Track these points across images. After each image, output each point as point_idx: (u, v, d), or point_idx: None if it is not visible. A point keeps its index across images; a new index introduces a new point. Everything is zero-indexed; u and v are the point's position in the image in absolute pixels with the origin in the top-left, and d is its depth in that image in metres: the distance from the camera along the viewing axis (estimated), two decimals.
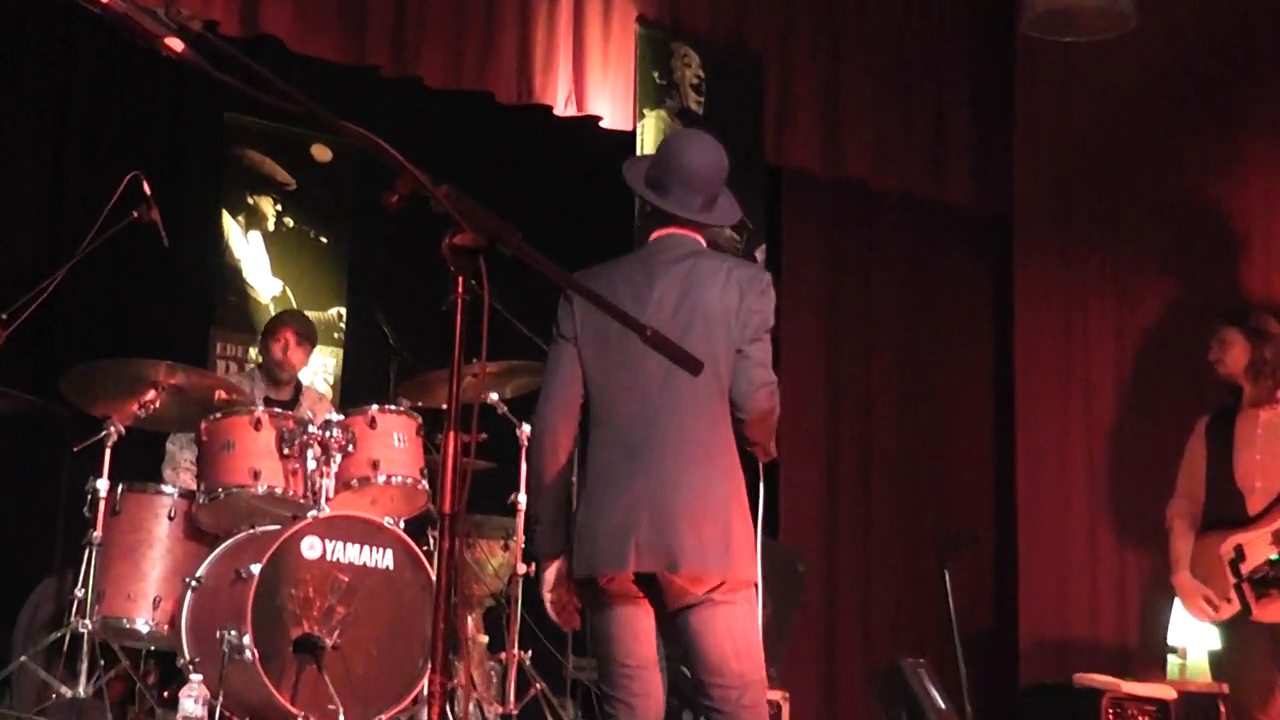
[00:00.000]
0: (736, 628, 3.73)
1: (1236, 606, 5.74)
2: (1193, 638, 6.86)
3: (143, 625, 5.57)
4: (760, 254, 7.60)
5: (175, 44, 2.41)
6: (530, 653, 6.03)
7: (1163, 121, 7.95)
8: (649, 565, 3.66)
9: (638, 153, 7.18)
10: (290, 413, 5.85)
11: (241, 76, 2.48)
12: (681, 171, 3.91)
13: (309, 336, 6.88)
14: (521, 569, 6.02)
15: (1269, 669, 5.81)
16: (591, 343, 3.85)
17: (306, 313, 7.33)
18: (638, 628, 3.79)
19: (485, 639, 6.27)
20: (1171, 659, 6.92)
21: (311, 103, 2.58)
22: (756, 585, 3.79)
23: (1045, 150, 8.32)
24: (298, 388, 6.86)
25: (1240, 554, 5.66)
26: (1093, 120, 8.13)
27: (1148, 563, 7.30)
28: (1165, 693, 6.55)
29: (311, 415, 5.97)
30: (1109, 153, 8.07)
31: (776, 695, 6.69)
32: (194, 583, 5.42)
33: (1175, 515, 5.99)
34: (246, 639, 5.06)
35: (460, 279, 2.72)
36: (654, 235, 3.96)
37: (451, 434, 2.73)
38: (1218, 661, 6.48)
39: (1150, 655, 7.00)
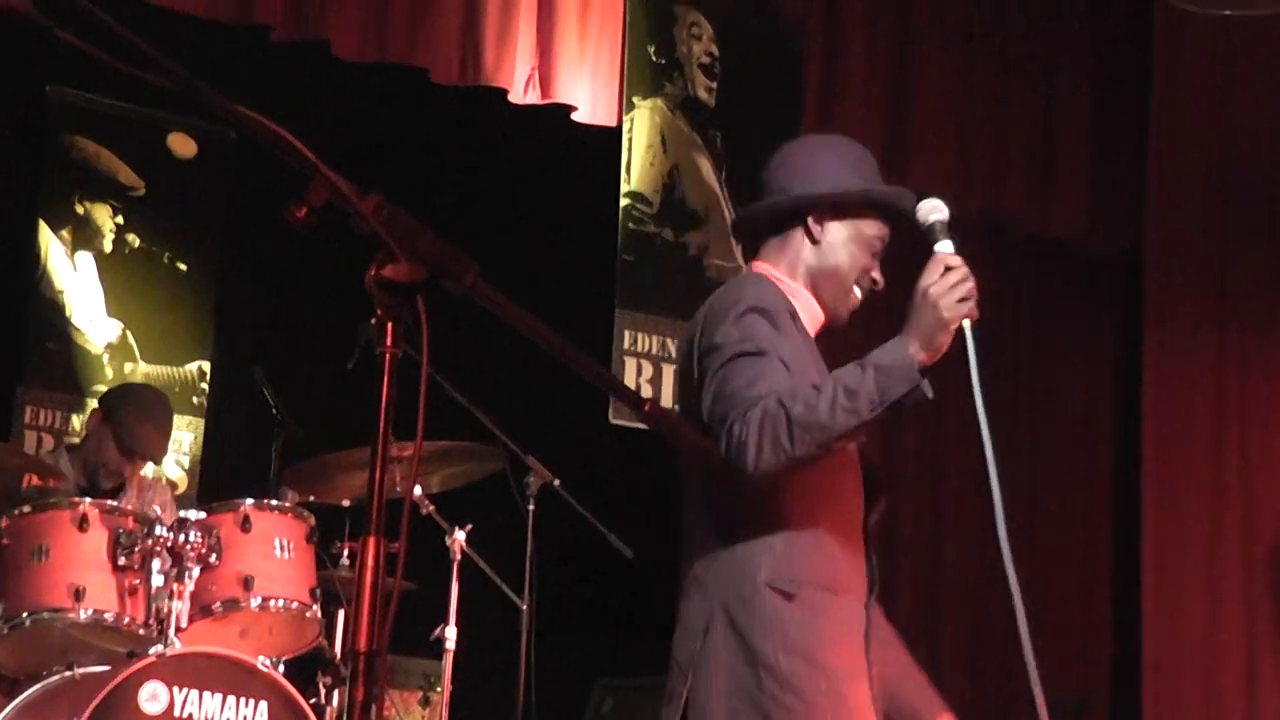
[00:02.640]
0: None
1: None
2: None
3: None
4: None
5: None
6: None
7: None
8: None
9: (623, 154, 7.26)
10: (130, 509, 5.83)
11: (78, 31, 2.44)
12: None
13: (163, 427, 6.85)
14: None
15: None
16: None
17: (155, 368, 7.33)
18: None
19: None
20: None
21: (184, 72, 2.51)
22: None
23: (1192, 161, 8.36)
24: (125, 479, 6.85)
25: None
26: (1254, 119, 8.19)
27: None
28: None
29: (158, 512, 5.92)
30: (1250, 159, 8.14)
31: None
32: None
33: None
34: None
35: (389, 326, 2.69)
36: None
37: (372, 540, 2.69)
38: None
39: None
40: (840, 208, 4.09)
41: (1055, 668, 8.40)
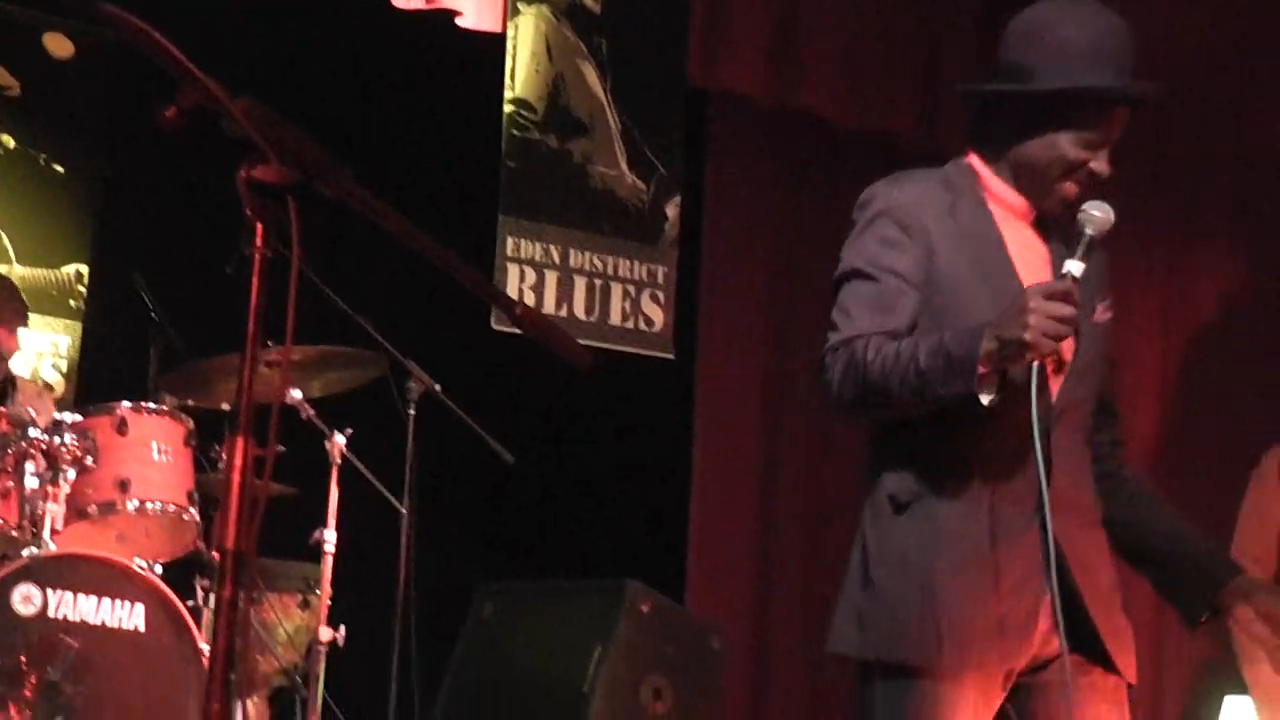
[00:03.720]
0: None
1: None
2: None
3: None
4: (673, 209, 7.64)
5: None
6: None
7: (1236, 71, 8.13)
8: None
9: (507, 62, 7.28)
10: (2, 409, 5.83)
11: None
12: None
13: (20, 312, 6.90)
14: (326, 635, 6.09)
15: None
16: None
17: (30, 271, 7.30)
18: None
19: None
20: None
21: None
22: None
23: None
24: (6, 378, 6.84)
25: None
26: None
27: (1189, 650, 7.40)
28: None
29: (32, 415, 5.90)
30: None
31: None
32: None
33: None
34: None
35: (259, 228, 2.67)
36: None
37: (240, 441, 2.69)
38: None
39: None
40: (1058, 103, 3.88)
41: None
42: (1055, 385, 3.82)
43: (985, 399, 3.62)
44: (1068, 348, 3.82)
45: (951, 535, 3.78)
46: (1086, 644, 3.79)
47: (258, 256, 2.66)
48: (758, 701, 8.14)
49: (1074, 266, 3.68)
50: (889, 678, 3.79)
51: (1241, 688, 6.33)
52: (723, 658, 7.22)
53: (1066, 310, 3.59)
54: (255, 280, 2.66)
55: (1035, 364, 3.66)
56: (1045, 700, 3.78)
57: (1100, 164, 3.83)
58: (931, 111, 8.17)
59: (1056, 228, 3.87)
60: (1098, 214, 3.73)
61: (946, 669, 3.74)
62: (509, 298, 3.13)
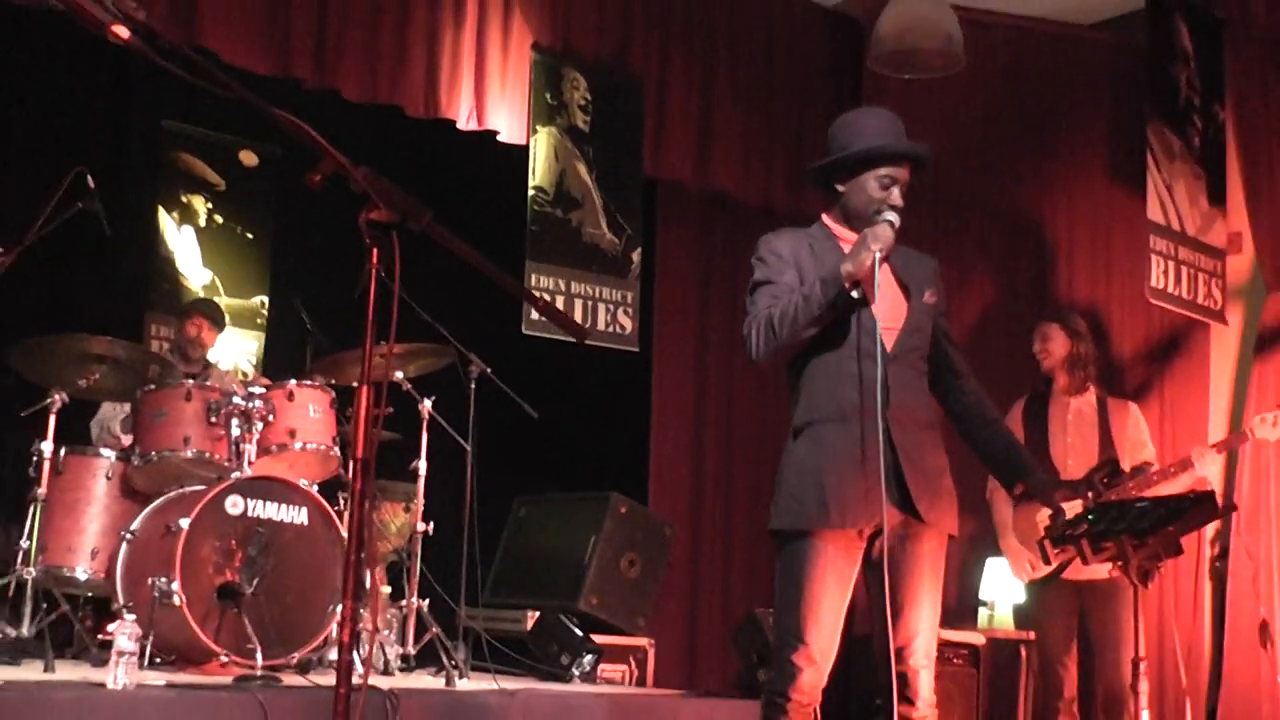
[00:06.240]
0: None
1: (1049, 567, 5.96)
2: (1000, 593, 7.07)
3: (81, 574, 5.60)
4: (637, 255, 7.66)
5: (121, 31, 2.43)
6: (428, 602, 6.15)
7: (987, 148, 8.12)
8: None
9: (530, 164, 7.25)
10: (217, 385, 5.86)
11: (182, 65, 2.51)
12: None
13: (218, 321, 6.98)
14: (420, 528, 6.13)
15: (1070, 619, 6.06)
16: None
17: (232, 300, 7.39)
18: None
19: (388, 590, 6.34)
20: (981, 611, 7.12)
21: (244, 89, 2.60)
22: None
23: None
24: (205, 365, 6.94)
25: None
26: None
27: (965, 529, 7.48)
28: (976, 639, 6.76)
29: (234, 389, 5.99)
30: (940, 172, 8.22)
31: (643, 642, 6.85)
32: (128, 536, 5.45)
33: (995, 489, 6.18)
34: (175, 585, 5.07)
35: (374, 251, 2.70)
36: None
37: (365, 387, 2.72)
38: (1024, 614, 6.72)
39: (963, 608, 7.19)
40: (856, 163, 3.93)
41: None
42: (890, 341, 3.83)
43: (854, 294, 3.73)
44: (900, 315, 3.89)
45: (829, 446, 3.81)
46: (913, 509, 3.81)
47: (373, 270, 2.69)
48: (692, 566, 8.14)
49: (890, 216, 3.81)
50: (790, 541, 3.84)
51: (997, 553, 6.40)
52: (671, 539, 7.37)
53: (883, 231, 3.74)
54: (372, 283, 2.69)
55: (875, 258, 3.71)
56: (887, 547, 3.75)
57: (895, 198, 3.90)
58: (798, 187, 8.06)
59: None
60: (892, 215, 3.82)
61: (830, 527, 3.78)
62: (536, 296, 3.20)
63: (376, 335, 2.73)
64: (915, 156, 3.98)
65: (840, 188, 3.99)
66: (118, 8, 2.43)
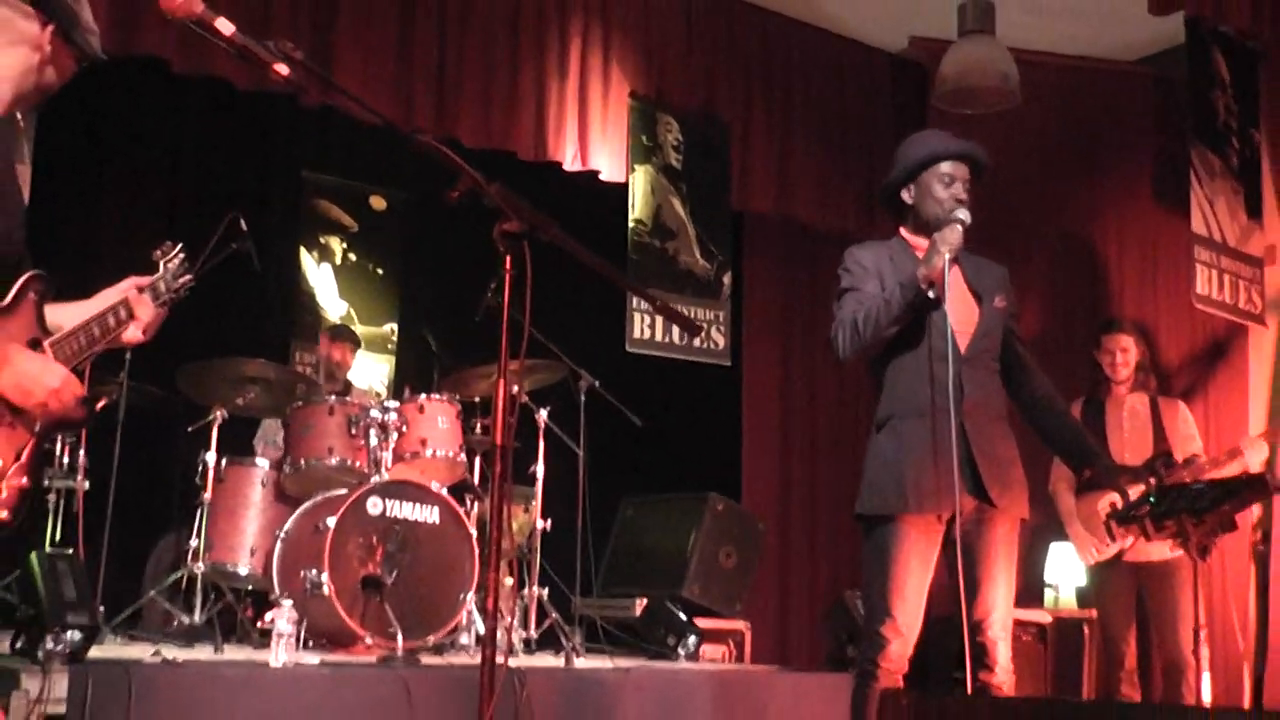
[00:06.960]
0: None
1: (1112, 551, 5.87)
2: (1064, 576, 6.98)
3: (243, 569, 5.68)
4: (727, 279, 7.65)
5: (282, 69, 2.53)
6: (547, 591, 6.15)
7: (1041, 175, 8.04)
8: None
9: (630, 199, 7.26)
10: (357, 401, 5.90)
11: (334, 92, 2.55)
12: None
13: (355, 343, 7.09)
14: (539, 525, 6.12)
15: (1129, 598, 5.96)
16: None
17: (366, 328, 7.47)
18: None
19: (511, 581, 6.34)
20: (1047, 593, 7.03)
21: (387, 117, 2.69)
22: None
23: None
24: (347, 385, 6.98)
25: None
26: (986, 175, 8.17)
27: (1031, 517, 7.37)
28: (1043, 618, 6.65)
29: (371, 404, 6.03)
30: (998, 200, 8.15)
31: (740, 625, 6.81)
32: (282, 535, 5.51)
33: (1059, 480, 6.10)
34: (324, 577, 5.14)
35: (508, 259, 2.73)
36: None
37: (501, 381, 2.73)
38: (1086, 595, 6.62)
39: (1030, 590, 7.10)
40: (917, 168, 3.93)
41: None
42: (964, 343, 3.82)
43: (931, 295, 3.71)
44: (972, 320, 3.85)
45: (906, 439, 3.80)
46: (985, 495, 3.78)
47: (507, 276, 2.70)
48: (782, 557, 8.12)
49: (963, 215, 3.77)
50: (875, 525, 3.82)
51: (1063, 538, 6.27)
52: (763, 533, 7.33)
53: (952, 233, 3.71)
54: (506, 288, 2.69)
55: (945, 260, 3.69)
56: (963, 530, 3.70)
57: (958, 192, 3.89)
58: (870, 215, 8.05)
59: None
60: (964, 214, 3.80)
61: (909, 512, 3.76)
62: (653, 295, 3.14)
63: (511, 336, 2.75)
64: (969, 155, 3.95)
65: (908, 199, 3.97)
66: (279, 49, 2.52)
